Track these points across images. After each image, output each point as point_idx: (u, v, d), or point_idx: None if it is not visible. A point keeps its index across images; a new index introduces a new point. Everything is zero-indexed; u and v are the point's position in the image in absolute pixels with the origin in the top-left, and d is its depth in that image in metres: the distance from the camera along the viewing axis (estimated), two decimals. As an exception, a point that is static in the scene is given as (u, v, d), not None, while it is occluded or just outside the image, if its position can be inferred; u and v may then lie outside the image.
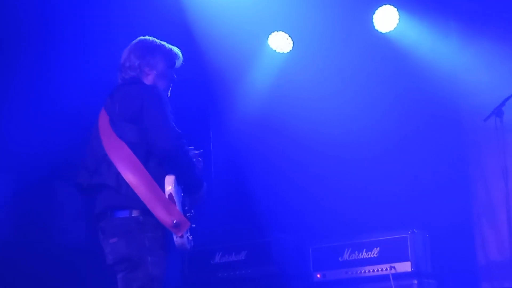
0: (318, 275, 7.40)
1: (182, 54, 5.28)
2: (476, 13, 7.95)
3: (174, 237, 4.68)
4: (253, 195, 8.54)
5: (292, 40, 8.67)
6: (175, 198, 4.66)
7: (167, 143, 4.68)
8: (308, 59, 8.61)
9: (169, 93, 5.17)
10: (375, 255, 7.17)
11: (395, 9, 8.22)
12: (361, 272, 7.19)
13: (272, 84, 8.76)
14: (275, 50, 8.74)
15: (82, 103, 7.21)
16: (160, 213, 4.63)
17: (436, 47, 8.17)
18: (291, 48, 8.70)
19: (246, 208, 8.56)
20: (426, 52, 8.18)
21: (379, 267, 7.10)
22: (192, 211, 4.88)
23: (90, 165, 4.92)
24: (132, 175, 4.70)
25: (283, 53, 8.74)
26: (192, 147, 5.01)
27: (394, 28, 8.28)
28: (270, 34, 8.68)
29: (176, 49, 5.21)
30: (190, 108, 8.76)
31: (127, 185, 4.70)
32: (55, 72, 7.39)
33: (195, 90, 8.83)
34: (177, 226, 4.62)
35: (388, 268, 7.03)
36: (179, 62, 5.22)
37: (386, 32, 8.34)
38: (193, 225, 4.89)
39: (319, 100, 8.47)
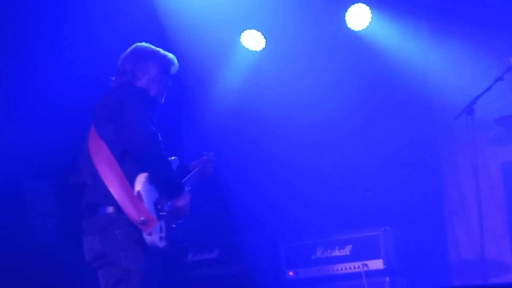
0: (291, 273, 7.41)
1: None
2: (447, 12, 7.98)
3: (143, 234, 4.78)
4: (226, 194, 8.53)
5: (264, 38, 8.67)
6: (144, 196, 4.77)
7: (141, 140, 4.76)
8: (280, 57, 8.62)
9: (163, 99, 5.35)
10: (347, 252, 7.20)
11: (368, 7, 8.24)
12: (333, 269, 7.21)
13: (244, 82, 8.75)
14: (247, 48, 8.73)
15: (57, 102, 7.20)
16: (129, 210, 4.75)
17: (408, 46, 8.20)
18: (263, 46, 8.70)
19: (219, 206, 8.55)
20: (398, 50, 8.21)
21: (352, 264, 7.12)
22: (164, 213, 4.94)
23: (78, 165, 5.08)
24: (107, 173, 4.82)
25: (255, 51, 8.74)
26: (174, 157, 5.20)
27: (367, 27, 8.30)
28: (243, 32, 8.67)
29: (171, 55, 5.36)
30: (163, 106, 8.72)
31: (102, 183, 4.81)
32: (29, 73, 7.37)
33: (168, 90, 8.81)
34: (144, 223, 4.73)
35: (361, 266, 7.06)
36: (174, 68, 5.35)
37: (358, 30, 8.35)
38: (173, 225, 5.06)
39: (291, 98, 8.49)
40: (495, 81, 6.89)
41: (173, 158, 5.35)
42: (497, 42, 7.68)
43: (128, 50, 5.31)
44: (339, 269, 7.19)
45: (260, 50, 8.73)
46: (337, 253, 7.25)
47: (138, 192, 4.76)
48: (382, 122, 8.20)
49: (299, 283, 7.37)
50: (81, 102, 6.41)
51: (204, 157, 5.85)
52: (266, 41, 8.68)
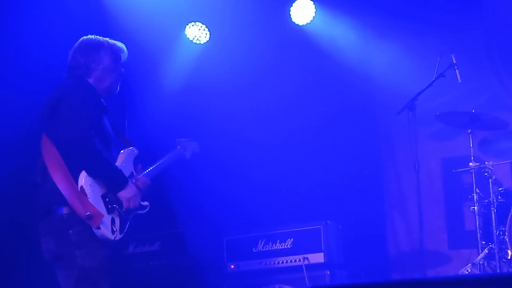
0: (232, 266, 7.41)
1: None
2: (390, 9, 8.06)
3: (93, 229, 4.80)
4: (167, 186, 8.49)
5: (209, 30, 8.65)
6: (89, 191, 4.79)
7: (72, 137, 4.81)
8: (225, 50, 8.60)
9: (118, 87, 5.37)
10: (288, 246, 7.22)
11: (312, 2, 8.28)
12: (274, 263, 7.23)
13: (188, 74, 8.72)
14: (191, 41, 8.70)
15: (10, 100, 7.12)
16: (76, 206, 4.76)
17: (351, 41, 8.27)
18: (207, 39, 8.68)
19: (161, 198, 8.51)
20: (341, 45, 8.27)
21: (293, 258, 7.15)
22: (115, 205, 4.96)
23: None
24: (55, 170, 4.84)
25: (199, 43, 8.71)
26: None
27: (311, 21, 8.34)
28: (187, 24, 8.64)
29: (119, 44, 5.38)
30: (106, 100, 8.65)
31: (51, 181, 4.83)
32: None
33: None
34: (90, 218, 4.74)
35: (302, 259, 7.09)
36: (124, 55, 5.38)
37: (303, 25, 8.39)
38: (129, 216, 5.10)
39: (235, 91, 8.48)
40: (437, 78, 6.99)
41: (130, 149, 5.37)
42: (439, 39, 7.78)
43: (76, 44, 5.30)
44: (280, 262, 7.21)
45: (204, 43, 8.71)
46: (278, 246, 7.27)
47: (81, 188, 4.77)
48: (323, 117, 8.25)
49: (240, 276, 7.38)
50: (35, 99, 6.33)
51: (179, 144, 6.02)
52: (210, 34, 8.67)
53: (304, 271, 7.01)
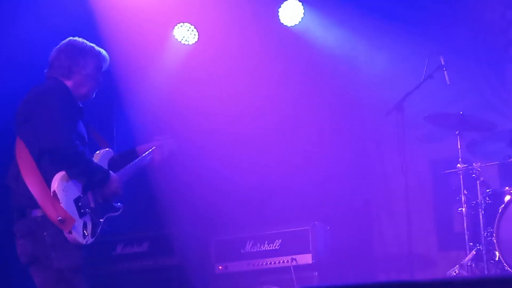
0: (220, 267, 7.41)
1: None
2: (379, 10, 8.07)
3: (64, 233, 4.82)
4: (156, 187, 8.48)
5: (197, 31, 8.65)
6: (61, 195, 4.80)
7: (52, 140, 4.81)
8: (213, 51, 8.60)
9: (94, 94, 5.37)
10: (276, 247, 7.23)
11: (300, 3, 8.28)
12: (262, 264, 7.24)
13: (176, 75, 8.71)
14: (180, 42, 8.69)
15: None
16: (48, 210, 4.78)
17: (339, 42, 8.27)
18: (196, 40, 8.68)
19: (149, 199, 8.50)
20: (329, 46, 8.27)
21: (281, 259, 7.16)
22: (87, 209, 4.97)
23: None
24: (27, 174, 4.86)
25: (188, 44, 8.71)
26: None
27: (299, 22, 8.34)
28: (176, 25, 8.63)
29: (104, 52, 5.39)
30: (94, 101, 8.63)
31: (24, 185, 4.84)
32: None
33: (100, 84, 8.72)
34: (62, 222, 4.77)
35: (290, 260, 7.10)
36: (106, 65, 5.40)
37: (291, 26, 8.39)
38: (101, 220, 5.13)
39: (223, 92, 8.47)
40: (425, 79, 6.99)
41: (106, 150, 5.37)
42: (428, 40, 7.78)
43: (62, 44, 5.29)
44: (268, 263, 7.22)
45: (193, 44, 8.70)
46: (266, 247, 7.28)
47: (54, 192, 4.78)
48: (311, 118, 8.25)
49: (228, 277, 7.38)
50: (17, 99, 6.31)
51: (155, 143, 5.87)
52: (198, 35, 8.66)
53: (292, 272, 7.01)
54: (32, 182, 4.83)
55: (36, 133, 4.86)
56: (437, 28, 7.90)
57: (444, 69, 6.99)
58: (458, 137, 7.02)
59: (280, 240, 7.23)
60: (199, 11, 8.50)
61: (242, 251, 7.36)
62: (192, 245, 7.61)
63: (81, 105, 5.30)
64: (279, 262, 7.17)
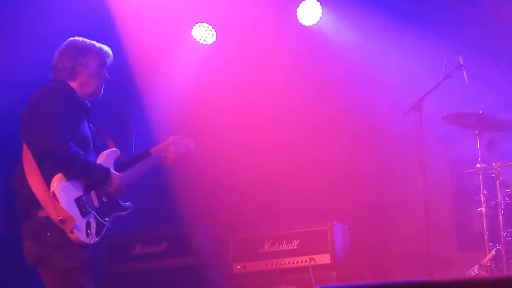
0: (238, 267, 7.40)
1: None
2: (397, 9, 8.04)
3: (67, 232, 4.84)
4: (175, 186, 8.50)
5: (215, 31, 8.65)
6: (60, 195, 4.82)
7: (44, 143, 4.86)
8: (231, 50, 8.60)
9: (102, 91, 5.38)
10: (295, 247, 7.22)
11: (318, 3, 8.27)
12: (281, 263, 7.23)
13: (195, 75, 8.72)
14: (198, 41, 8.70)
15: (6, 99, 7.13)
16: (50, 211, 4.82)
17: (357, 42, 8.25)
18: (214, 40, 8.68)
19: (168, 198, 8.52)
20: (348, 45, 8.26)
21: (299, 258, 7.15)
22: (90, 208, 4.97)
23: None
24: (30, 176, 4.91)
25: (206, 44, 8.72)
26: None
27: (317, 22, 8.33)
28: (194, 25, 8.64)
29: (106, 48, 5.38)
30: (113, 101, 8.66)
31: (28, 187, 4.89)
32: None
33: (117, 82, 8.73)
34: (62, 222, 4.80)
35: (308, 260, 7.08)
36: (110, 60, 5.39)
37: (309, 25, 8.38)
38: (106, 219, 5.12)
39: (242, 91, 8.48)
40: (444, 79, 6.96)
41: (112, 149, 5.38)
42: (446, 40, 7.76)
43: (63, 45, 5.31)
44: (286, 263, 7.20)
45: (211, 44, 8.71)
46: (284, 247, 7.27)
47: (53, 193, 4.81)
48: (331, 118, 8.24)
49: (246, 277, 7.37)
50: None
51: (169, 142, 5.87)
52: (216, 35, 8.66)
53: (311, 272, 6.99)
54: (34, 183, 4.87)
55: (34, 135, 4.91)
56: (455, 27, 7.87)
57: (462, 68, 6.96)
58: (477, 136, 6.99)
59: (298, 240, 7.21)
60: (217, 11, 8.51)
61: (260, 251, 7.35)
62: (210, 245, 7.62)
63: (88, 106, 5.33)
64: (297, 262, 7.16)
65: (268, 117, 8.38)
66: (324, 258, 7.07)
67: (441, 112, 7.03)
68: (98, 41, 5.39)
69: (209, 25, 8.65)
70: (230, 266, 7.45)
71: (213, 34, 8.68)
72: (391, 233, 8.16)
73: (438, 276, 7.28)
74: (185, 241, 7.46)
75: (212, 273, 7.52)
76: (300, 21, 8.37)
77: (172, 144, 5.84)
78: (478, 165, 6.91)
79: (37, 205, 4.85)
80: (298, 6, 8.33)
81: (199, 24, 8.65)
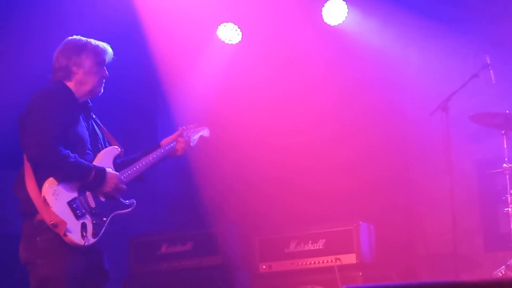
0: (264, 266, 7.40)
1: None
2: (423, 9, 8.02)
3: (61, 236, 4.81)
4: (200, 187, 8.53)
5: (240, 31, 8.66)
6: (50, 200, 4.80)
7: (30, 147, 4.86)
8: (256, 50, 8.61)
9: (102, 89, 5.27)
10: (320, 247, 7.21)
11: (344, 2, 8.25)
12: (306, 263, 7.22)
13: (220, 74, 8.73)
14: (223, 41, 8.72)
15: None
16: (44, 215, 4.81)
17: (383, 41, 8.23)
18: (239, 40, 8.69)
19: (194, 198, 8.55)
20: (373, 46, 8.23)
21: (325, 258, 7.14)
22: (84, 210, 4.93)
23: None
24: (28, 180, 4.90)
25: (231, 44, 8.73)
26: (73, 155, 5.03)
27: (343, 21, 8.31)
28: (219, 25, 8.66)
29: (102, 44, 5.29)
30: (138, 101, 8.71)
31: (26, 191, 4.88)
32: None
33: (144, 82, 8.78)
34: (55, 226, 4.78)
35: (334, 260, 7.07)
36: (109, 57, 5.29)
37: (335, 25, 8.36)
38: (104, 219, 5.05)
39: (267, 91, 8.48)
40: (471, 78, 6.94)
41: (111, 147, 5.31)
42: (473, 39, 7.72)
43: (60, 45, 5.25)
44: (312, 263, 7.20)
45: (237, 43, 8.72)
46: (310, 247, 7.26)
47: (43, 198, 4.80)
48: (356, 117, 8.23)
49: (272, 277, 7.37)
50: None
51: (179, 133, 5.77)
52: (242, 34, 8.67)
53: (336, 272, 6.98)
54: (31, 188, 4.87)
55: (24, 141, 4.92)
56: (482, 26, 7.83)
57: (489, 68, 6.93)
58: (504, 136, 6.96)
59: (324, 240, 7.21)
60: (243, 10, 8.51)
61: (286, 251, 7.35)
62: (236, 245, 7.63)
63: (89, 104, 5.28)
64: (323, 262, 7.15)
65: (292, 117, 8.38)
66: (350, 258, 7.05)
67: (468, 111, 7.00)
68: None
69: (235, 24, 8.66)
70: (256, 266, 7.45)
71: (238, 34, 8.69)
72: (418, 233, 8.13)
73: (465, 277, 7.24)
74: (211, 241, 7.48)
75: (237, 273, 7.53)
76: (325, 20, 8.34)
77: (181, 134, 5.74)
78: (504, 165, 6.87)
79: (33, 210, 4.85)
80: (324, 5, 8.31)
81: (225, 23, 8.66)
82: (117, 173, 5.16)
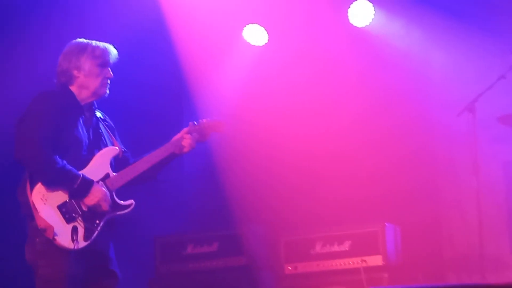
0: (289, 268, 7.40)
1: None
2: (449, 9, 7.98)
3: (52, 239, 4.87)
4: (226, 187, 8.54)
5: (267, 32, 8.66)
6: (38, 205, 4.86)
7: (17, 151, 4.91)
8: (282, 51, 8.61)
9: (107, 90, 5.24)
10: (346, 248, 7.20)
11: (370, 4, 8.23)
12: (332, 265, 7.22)
13: (246, 76, 8.74)
14: (250, 43, 8.72)
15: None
16: (35, 219, 4.88)
17: (410, 42, 8.20)
18: (265, 41, 8.69)
19: (219, 199, 8.56)
20: (400, 47, 8.21)
21: (350, 260, 7.13)
22: (75, 214, 4.95)
23: None
24: (26, 184, 4.96)
25: (257, 45, 8.73)
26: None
27: (370, 23, 8.28)
28: (245, 26, 8.66)
29: (104, 45, 5.26)
30: (164, 102, 8.73)
31: (26, 196, 4.94)
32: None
33: (169, 83, 8.80)
34: (43, 231, 4.85)
35: (359, 261, 7.07)
36: (112, 58, 5.25)
37: (361, 27, 8.34)
38: (97, 222, 5.03)
39: (293, 93, 8.48)
40: (498, 79, 6.90)
41: (109, 148, 5.24)
42: (500, 40, 7.68)
43: (65, 48, 5.25)
44: (338, 264, 7.19)
45: (263, 45, 8.72)
46: (336, 248, 7.25)
47: (32, 202, 4.86)
48: (382, 118, 8.20)
49: (297, 278, 7.37)
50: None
51: (187, 129, 5.48)
52: (268, 36, 8.67)
53: (362, 273, 6.97)
54: (28, 192, 4.92)
55: (15, 145, 4.95)
56: (509, 26, 7.79)
57: (517, 69, 6.90)
58: (531, 138, 6.93)
59: (349, 241, 7.20)
60: (269, 12, 8.51)
61: (311, 252, 7.35)
62: (261, 245, 7.64)
63: (94, 107, 5.26)
64: (348, 263, 7.14)
65: (318, 118, 8.37)
66: (376, 260, 7.04)
67: (495, 113, 6.97)
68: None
69: (261, 26, 8.65)
70: (281, 267, 7.45)
71: (264, 36, 8.68)
72: (444, 234, 8.09)
73: (492, 278, 7.20)
74: (237, 242, 7.49)
75: (263, 274, 7.54)
76: (351, 21, 8.32)
77: (189, 131, 5.44)
78: (532, 166, 6.84)
79: (31, 212, 4.92)
80: (350, 7, 8.28)
81: (251, 25, 8.66)
82: (105, 190, 5.06)
